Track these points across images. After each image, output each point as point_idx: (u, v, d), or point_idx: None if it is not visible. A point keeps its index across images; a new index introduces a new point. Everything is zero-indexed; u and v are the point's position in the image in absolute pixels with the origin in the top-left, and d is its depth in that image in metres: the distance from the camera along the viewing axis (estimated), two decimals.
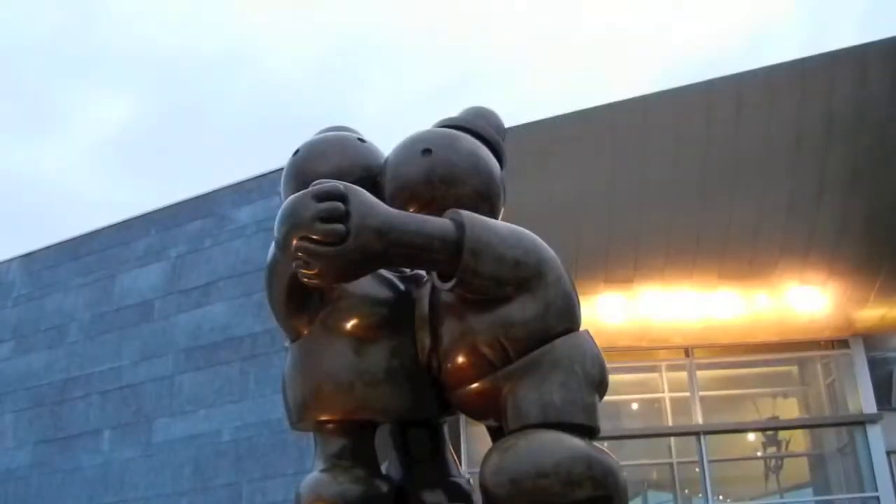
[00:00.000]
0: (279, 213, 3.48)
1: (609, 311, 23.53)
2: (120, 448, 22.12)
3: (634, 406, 26.86)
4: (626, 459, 25.74)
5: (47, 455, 23.08)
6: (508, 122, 4.65)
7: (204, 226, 22.85)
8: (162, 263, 23.38)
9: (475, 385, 3.71)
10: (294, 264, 3.46)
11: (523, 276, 3.67)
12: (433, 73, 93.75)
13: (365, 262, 3.47)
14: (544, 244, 3.87)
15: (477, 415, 3.95)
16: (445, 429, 4.26)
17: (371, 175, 4.16)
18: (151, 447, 21.61)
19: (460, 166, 4.04)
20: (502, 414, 3.64)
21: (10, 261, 26.57)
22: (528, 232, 3.86)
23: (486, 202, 4.08)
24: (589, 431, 3.66)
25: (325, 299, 3.88)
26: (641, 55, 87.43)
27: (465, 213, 3.63)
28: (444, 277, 3.65)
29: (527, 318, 3.65)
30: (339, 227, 3.32)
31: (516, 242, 3.73)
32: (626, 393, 26.43)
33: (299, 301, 3.90)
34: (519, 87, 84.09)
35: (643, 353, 25.81)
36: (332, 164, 4.17)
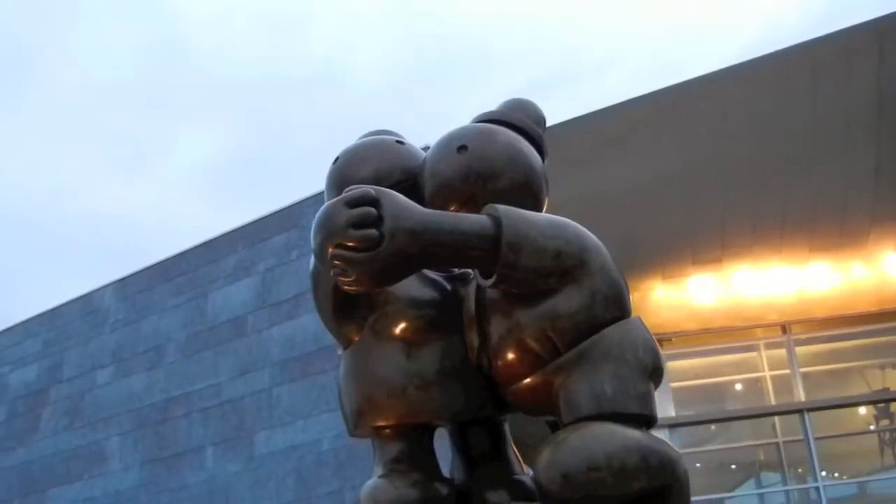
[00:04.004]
0: (314, 222, 3.48)
1: (700, 293, 23.30)
2: (223, 463, 22.38)
3: (736, 387, 26.46)
4: (732, 442, 25.47)
5: (154, 475, 23.44)
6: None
7: (290, 238, 23.02)
8: (251, 278, 23.62)
9: (527, 380, 3.66)
10: (332, 272, 3.45)
11: (566, 266, 3.59)
12: (522, 71, 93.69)
13: (402, 265, 3.44)
14: (587, 233, 3.79)
15: (532, 410, 3.91)
16: (507, 427, 4.21)
17: (411, 176, 4.13)
18: (254, 460, 21.83)
19: (497, 160, 3.96)
20: (556, 408, 3.59)
21: (104, 287, 27.09)
22: (569, 221, 3.77)
23: (528, 195, 3.98)
24: (645, 421, 3.58)
25: (372, 305, 3.87)
26: (724, 38, 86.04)
27: (502, 208, 3.56)
28: (486, 274, 3.60)
29: (573, 309, 3.58)
30: (373, 231, 3.29)
31: (557, 233, 3.65)
32: (726, 374, 26.10)
33: (346, 308, 3.90)
34: (608, 79, 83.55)
35: (740, 333, 25.43)
36: (370, 168, 4.16)
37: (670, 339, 25.20)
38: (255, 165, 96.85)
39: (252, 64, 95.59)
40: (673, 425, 24.07)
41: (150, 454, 23.70)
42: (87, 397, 25.74)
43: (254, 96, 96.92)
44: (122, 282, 26.76)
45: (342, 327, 3.96)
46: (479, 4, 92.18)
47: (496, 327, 3.72)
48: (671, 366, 25.25)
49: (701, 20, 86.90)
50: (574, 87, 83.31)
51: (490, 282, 3.56)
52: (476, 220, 3.54)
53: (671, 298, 23.77)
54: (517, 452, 4.20)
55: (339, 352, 4.09)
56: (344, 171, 4.22)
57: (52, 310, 28.28)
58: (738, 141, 19.28)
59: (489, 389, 3.86)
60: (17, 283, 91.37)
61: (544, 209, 4.08)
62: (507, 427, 4.21)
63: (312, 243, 3.49)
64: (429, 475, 3.82)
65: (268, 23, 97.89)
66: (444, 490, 3.80)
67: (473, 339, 3.84)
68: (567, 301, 3.58)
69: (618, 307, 3.70)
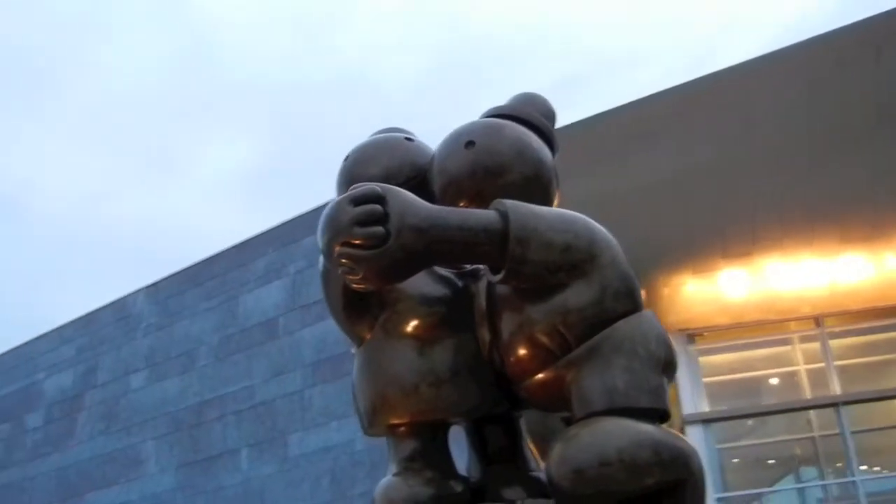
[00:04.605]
0: (320, 220, 3.48)
1: (731, 287, 23.17)
2: (258, 465, 22.49)
3: (769, 381, 26.28)
4: (769, 437, 25.26)
5: (190, 477, 23.58)
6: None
7: None
8: (282, 280, 23.72)
9: (539, 376, 3.64)
10: (339, 271, 3.45)
11: (575, 260, 3.56)
12: (549, 69, 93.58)
13: (409, 262, 3.42)
14: (597, 226, 3.74)
15: (545, 406, 3.87)
16: (522, 423, 4.19)
17: (420, 174, 4.12)
18: (288, 462, 21.92)
19: (505, 155, 3.94)
20: (568, 403, 3.56)
21: (136, 292, 27.31)
22: (579, 215, 3.73)
23: (538, 189, 3.94)
24: (658, 415, 3.53)
25: (383, 303, 3.86)
26: (753, 29, 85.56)
27: (510, 202, 3.54)
28: (495, 269, 3.58)
29: (583, 304, 3.54)
30: (378, 229, 3.29)
31: (565, 227, 3.61)
32: (760, 368, 25.94)
33: (357, 307, 3.89)
34: (636, 74, 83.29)
35: (773, 327, 25.27)
36: (380, 166, 4.16)
37: (702, 334, 25.08)
38: (284, 169, 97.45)
39: (279, 69, 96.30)
40: (706, 420, 23.96)
41: (186, 457, 23.84)
42: (122, 402, 25.94)
43: (281, 101, 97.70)
44: (154, 286, 26.96)
45: (354, 326, 3.95)
46: (503, 5, 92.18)
47: (507, 323, 3.70)
48: (703, 361, 25.13)
49: (730, 12, 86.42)
50: (602, 83, 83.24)
51: (499, 277, 3.55)
52: (483, 216, 3.53)
53: (702, 293, 23.64)
54: (533, 449, 4.18)
55: (353, 351, 4.07)
56: (353, 170, 4.22)
57: (86, 315, 28.53)
58: (766, 132, 19.14)
59: (502, 386, 3.83)
60: (51, 290, 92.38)
61: (555, 203, 4.05)
62: (522, 423, 4.18)
63: (319, 242, 3.49)
64: (443, 473, 3.81)
65: (294, 29, 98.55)
66: (459, 488, 3.79)
67: (485, 335, 3.82)
68: (577, 295, 3.55)
69: (629, 301, 3.65)
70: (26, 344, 30.07)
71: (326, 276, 3.85)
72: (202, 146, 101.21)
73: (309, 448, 21.61)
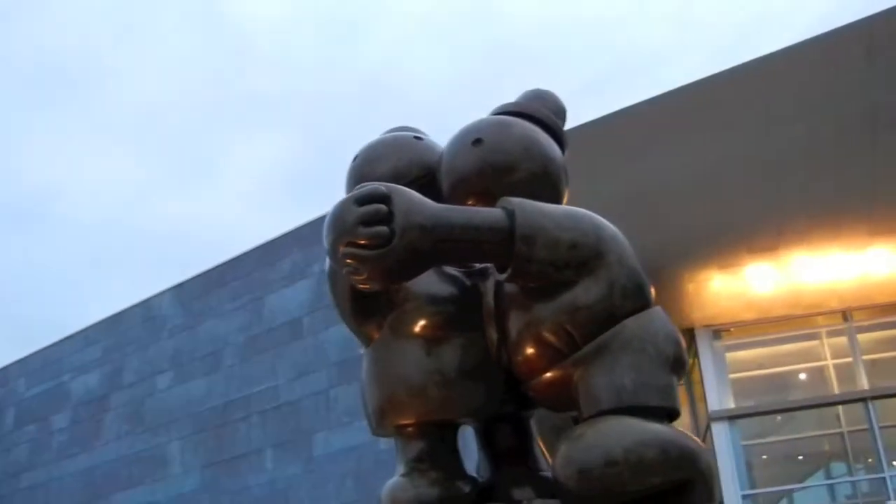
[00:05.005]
0: (326, 220, 3.44)
1: (757, 281, 23.06)
2: (283, 465, 22.51)
3: (797, 377, 26.12)
4: (797, 432, 25.11)
5: (215, 478, 23.64)
6: None
7: None
8: (307, 280, 23.72)
9: (546, 375, 3.60)
10: (344, 271, 3.42)
11: (582, 258, 3.52)
12: (579, 69, 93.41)
13: (414, 262, 3.40)
14: (605, 223, 3.70)
15: (553, 405, 3.85)
16: (532, 423, 4.15)
17: (429, 172, 4.09)
18: (313, 462, 21.94)
19: (513, 152, 3.90)
20: (576, 402, 3.53)
21: (161, 294, 27.40)
22: (586, 212, 3.69)
23: (546, 186, 3.91)
24: (667, 413, 3.50)
25: (391, 303, 3.83)
26: (782, 21, 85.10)
27: (516, 200, 3.51)
28: (502, 268, 3.55)
29: (591, 301, 3.51)
30: (383, 228, 3.26)
31: (572, 224, 3.57)
32: (787, 364, 25.82)
33: (365, 307, 3.85)
34: (670, 71, 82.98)
35: (800, 322, 25.14)
36: (388, 165, 4.13)
37: (728, 330, 24.98)
38: (313, 171, 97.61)
39: (309, 73, 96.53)
40: (732, 417, 23.84)
41: (211, 458, 23.90)
42: (148, 402, 26.04)
43: (310, 104, 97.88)
44: (180, 287, 27.04)
45: (361, 326, 3.92)
46: (531, 6, 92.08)
47: (514, 322, 3.68)
48: (730, 357, 25.02)
49: (760, 4, 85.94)
50: (631, 81, 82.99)
51: (505, 275, 3.52)
52: (489, 214, 3.50)
53: (728, 288, 23.52)
54: (543, 448, 4.13)
55: (361, 351, 4.04)
56: (362, 169, 4.19)
57: (112, 317, 28.66)
58: (792, 126, 18.97)
59: (510, 385, 3.80)
60: (77, 292, 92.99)
61: (564, 200, 4.01)
62: (532, 423, 4.15)
63: (325, 242, 3.45)
64: (450, 473, 3.78)
65: (323, 33, 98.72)
66: (466, 488, 3.76)
67: (493, 334, 3.79)
68: (584, 293, 3.51)
69: (637, 298, 3.61)
70: (53, 345, 30.23)
71: (333, 276, 3.82)
72: (232, 150, 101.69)
73: (333, 448, 21.61)
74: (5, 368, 31.80)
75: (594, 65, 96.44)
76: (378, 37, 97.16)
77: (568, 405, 3.62)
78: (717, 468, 23.40)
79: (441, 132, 4.43)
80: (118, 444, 26.36)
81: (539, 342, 3.56)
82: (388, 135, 4.43)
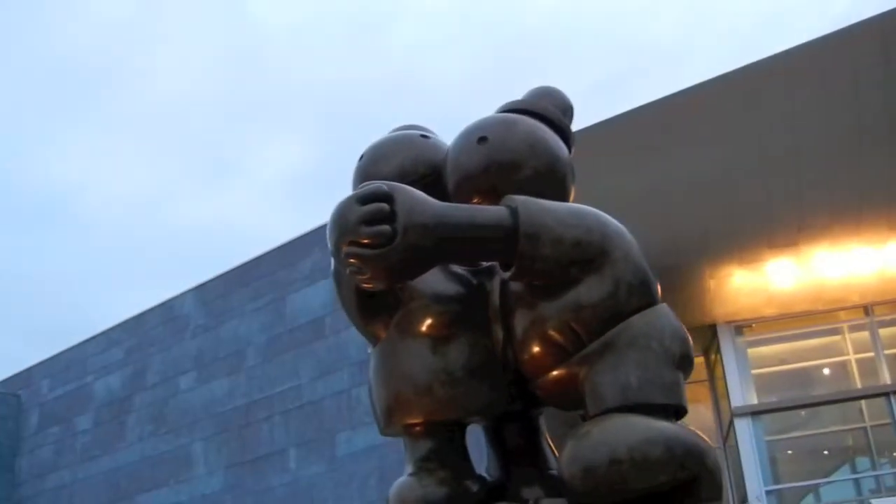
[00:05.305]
0: (329, 220, 3.43)
1: (779, 277, 22.97)
2: (306, 465, 22.58)
3: (819, 372, 26.03)
4: (821, 427, 25.03)
5: (238, 478, 23.72)
6: None
7: None
8: (329, 280, 23.34)
9: (552, 373, 3.60)
10: (347, 270, 3.41)
11: (587, 255, 3.51)
12: (601, 64, 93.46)
13: (417, 261, 3.39)
14: (610, 220, 3.68)
15: (560, 404, 3.83)
16: (541, 421, 4.12)
17: (435, 171, 4.07)
18: (336, 461, 21.99)
19: (518, 150, 3.88)
20: (582, 400, 3.52)
21: (183, 294, 27.47)
22: (591, 210, 3.67)
23: (552, 183, 3.89)
24: (674, 411, 3.48)
25: (397, 301, 3.82)
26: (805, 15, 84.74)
27: (520, 198, 3.50)
28: (506, 266, 3.54)
29: (596, 299, 3.50)
30: (385, 227, 3.25)
31: (576, 221, 3.56)
32: (809, 359, 25.71)
33: (371, 306, 3.86)
34: (687, 69, 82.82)
35: (821, 317, 25.04)
36: (394, 164, 4.12)
37: (750, 326, 24.91)
38: (332, 172, 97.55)
39: (330, 71, 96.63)
40: (755, 413, 23.79)
41: (234, 458, 23.98)
42: (171, 403, 26.13)
43: (332, 102, 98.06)
44: (201, 288, 27.10)
45: (368, 325, 3.93)
46: (551, 3, 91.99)
47: (520, 320, 3.67)
48: (752, 352, 24.95)
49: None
50: (653, 77, 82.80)
51: (509, 274, 3.52)
52: (493, 212, 3.49)
53: (749, 284, 23.44)
54: (552, 447, 4.11)
55: (369, 350, 4.04)
56: (368, 169, 4.18)
57: (134, 318, 28.74)
58: (812, 121, 18.91)
59: (518, 384, 3.79)
60: (99, 292, 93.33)
61: (571, 198, 3.99)
62: (542, 421, 4.12)
63: (328, 242, 3.45)
64: (458, 473, 3.77)
65: (345, 30, 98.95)
66: (474, 488, 3.75)
67: (499, 332, 3.78)
68: (589, 291, 3.51)
69: (643, 295, 3.59)
70: (76, 346, 30.39)
71: (338, 276, 3.82)
72: (255, 149, 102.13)
73: (356, 447, 21.66)
74: (29, 370, 31.99)
75: (612, 61, 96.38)
76: (399, 35, 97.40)
77: (575, 403, 3.61)
78: (738, 464, 23.43)
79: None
80: (142, 445, 26.48)
81: (545, 340, 3.56)
82: (394, 133, 4.42)
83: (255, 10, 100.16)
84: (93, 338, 29.89)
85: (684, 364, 3.58)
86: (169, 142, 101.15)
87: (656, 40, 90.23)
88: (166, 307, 27.94)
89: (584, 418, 3.54)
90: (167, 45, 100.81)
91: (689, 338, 3.66)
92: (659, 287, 3.71)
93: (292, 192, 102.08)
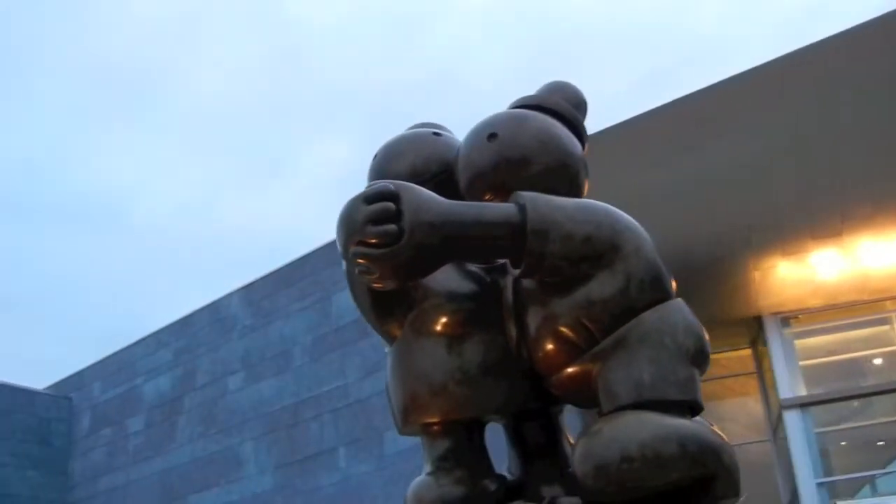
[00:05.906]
0: (336, 221, 3.44)
1: (823, 268, 22.77)
2: (356, 464, 22.67)
3: (868, 362, 25.78)
4: (871, 418, 24.77)
5: (288, 477, 23.87)
6: None
7: None
8: None
9: (566, 371, 3.58)
10: (356, 270, 3.42)
11: (597, 251, 3.49)
12: (644, 58, 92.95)
13: (425, 259, 3.40)
14: (621, 215, 3.66)
15: (575, 401, 3.83)
16: (562, 419, 4.10)
17: (448, 168, 4.07)
18: (385, 459, 22.06)
19: (528, 146, 3.85)
20: (597, 397, 3.50)
21: (230, 294, 27.64)
22: (601, 205, 3.66)
23: (564, 179, 3.86)
24: (689, 407, 3.45)
25: (411, 301, 3.81)
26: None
27: (528, 195, 3.50)
28: (516, 263, 3.53)
29: (607, 295, 3.48)
30: (391, 227, 3.26)
31: (586, 217, 3.55)
32: (857, 349, 25.44)
33: (385, 306, 3.86)
34: (732, 60, 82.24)
35: (868, 307, 24.76)
36: (406, 163, 4.13)
37: (797, 317, 24.70)
38: None
39: (374, 70, 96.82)
40: (804, 405, 23.62)
41: (284, 457, 24.13)
42: (220, 404, 26.31)
43: (376, 101, 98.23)
44: (248, 288, 27.25)
45: (383, 325, 3.93)
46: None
47: (532, 318, 3.65)
48: (799, 344, 24.76)
49: None
50: (692, 72, 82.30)
51: (519, 271, 3.51)
52: (501, 209, 3.49)
53: (794, 275, 23.22)
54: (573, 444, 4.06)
55: (386, 349, 4.04)
56: (381, 167, 4.21)
57: (182, 319, 28.93)
58: (853, 108, 18.69)
59: (534, 381, 3.76)
60: (147, 294, 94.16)
61: (584, 194, 3.97)
62: (563, 419, 4.09)
63: (337, 242, 3.46)
64: (475, 472, 3.76)
65: (386, 29, 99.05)
66: (491, 487, 3.74)
67: (512, 330, 3.76)
68: (601, 287, 3.48)
69: (657, 289, 3.57)
70: (126, 349, 30.64)
71: (350, 276, 3.81)
72: (300, 149, 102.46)
73: (405, 445, 21.66)
74: (80, 373, 32.30)
75: (657, 54, 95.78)
76: (442, 32, 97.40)
77: (590, 401, 3.58)
78: (788, 456, 23.28)
79: None
80: (192, 447, 26.70)
81: (557, 337, 3.54)
82: (407, 132, 4.43)
83: (297, 11, 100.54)
84: (142, 340, 30.13)
85: (699, 359, 3.54)
86: (215, 143, 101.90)
87: (696, 33, 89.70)
88: (213, 308, 28.12)
89: (600, 415, 3.50)
90: (210, 47, 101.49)
91: (705, 333, 3.63)
92: (674, 282, 3.68)
93: (337, 191, 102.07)
